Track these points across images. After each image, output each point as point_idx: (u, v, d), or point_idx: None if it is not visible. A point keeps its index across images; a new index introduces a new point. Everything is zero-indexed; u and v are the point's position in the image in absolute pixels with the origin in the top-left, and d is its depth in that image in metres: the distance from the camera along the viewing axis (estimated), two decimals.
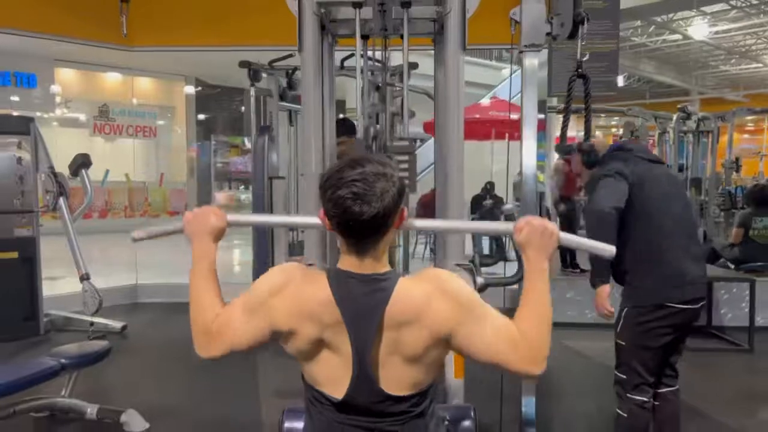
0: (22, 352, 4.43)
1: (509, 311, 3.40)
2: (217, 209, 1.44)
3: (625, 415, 2.55)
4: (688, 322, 2.53)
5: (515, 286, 2.58)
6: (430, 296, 1.24)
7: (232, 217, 1.47)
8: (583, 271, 6.54)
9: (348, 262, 1.28)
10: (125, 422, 3.19)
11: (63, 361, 3.03)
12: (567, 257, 6.82)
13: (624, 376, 2.56)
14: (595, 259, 2.50)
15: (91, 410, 3.22)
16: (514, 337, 1.25)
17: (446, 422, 1.46)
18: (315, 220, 1.37)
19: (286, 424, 1.51)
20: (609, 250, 1.43)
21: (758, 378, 4.37)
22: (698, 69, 17.41)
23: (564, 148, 2.85)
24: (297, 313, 1.26)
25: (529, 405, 2.71)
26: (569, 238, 1.42)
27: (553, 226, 1.35)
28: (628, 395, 2.54)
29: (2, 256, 4.70)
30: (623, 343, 2.55)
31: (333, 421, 1.30)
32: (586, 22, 2.12)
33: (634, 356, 2.53)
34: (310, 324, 1.26)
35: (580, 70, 2.27)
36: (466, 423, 1.52)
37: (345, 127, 3.07)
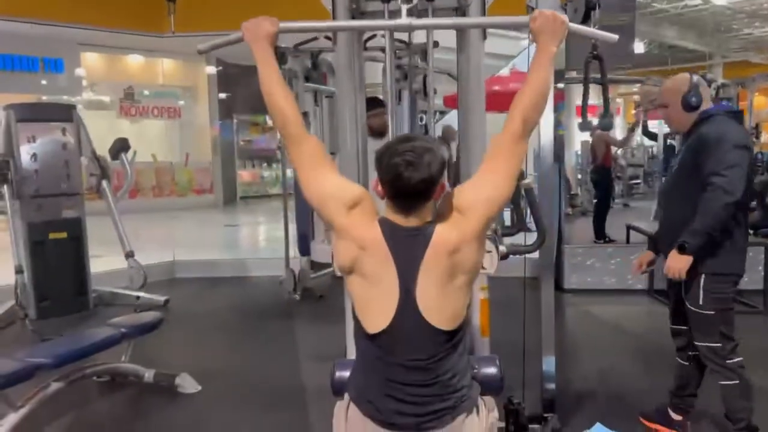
0: (75, 325, 4.70)
1: (531, 280, 3.59)
2: (269, 17, 1.68)
3: (737, 381, 2.54)
4: None
5: (536, 255, 2.76)
6: (456, 225, 1.48)
7: (283, 23, 1.69)
8: (611, 240, 6.68)
9: (394, 218, 1.51)
10: (179, 384, 3.49)
11: (123, 330, 3.33)
12: (598, 230, 6.96)
13: (719, 344, 2.54)
14: (703, 230, 2.44)
15: (148, 374, 3.53)
16: (505, 139, 1.55)
17: (474, 369, 1.69)
18: (380, 21, 1.69)
19: (337, 373, 1.73)
20: (612, 37, 1.60)
21: None
22: (721, 32, 17.00)
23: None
24: (352, 229, 1.50)
25: (549, 363, 2.93)
26: (577, 27, 1.60)
27: (563, 15, 1.56)
28: (728, 362, 2.55)
29: (53, 236, 4.96)
30: (711, 313, 2.53)
31: (373, 357, 1.52)
32: (597, 8, 2.27)
33: (722, 322, 2.55)
34: (358, 248, 1.49)
35: (595, 53, 2.28)
36: (492, 369, 1.74)
37: (376, 103, 3.36)
